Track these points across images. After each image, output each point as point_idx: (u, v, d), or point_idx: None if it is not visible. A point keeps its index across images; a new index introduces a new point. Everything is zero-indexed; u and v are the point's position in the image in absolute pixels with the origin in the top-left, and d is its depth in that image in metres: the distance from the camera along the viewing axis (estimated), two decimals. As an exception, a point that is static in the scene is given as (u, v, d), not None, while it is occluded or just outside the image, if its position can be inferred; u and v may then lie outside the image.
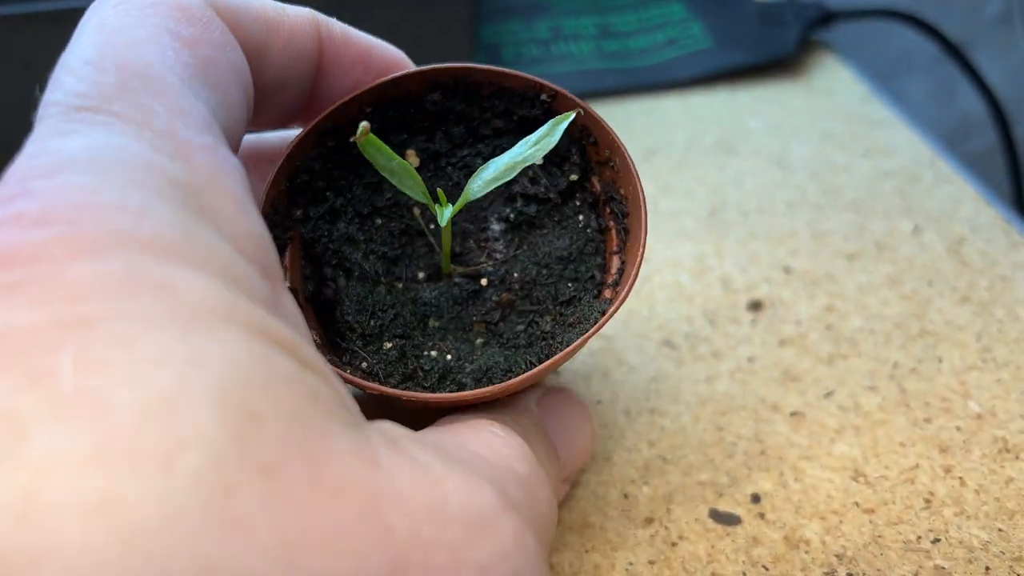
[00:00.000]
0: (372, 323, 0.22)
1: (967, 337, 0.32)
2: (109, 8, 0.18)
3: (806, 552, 0.25)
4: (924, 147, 0.44)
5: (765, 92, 0.49)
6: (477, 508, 0.15)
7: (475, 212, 0.24)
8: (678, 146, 0.44)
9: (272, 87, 0.21)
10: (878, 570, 0.24)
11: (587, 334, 0.21)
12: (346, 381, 0.20)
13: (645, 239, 0.22)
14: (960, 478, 0.27)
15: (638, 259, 0.21)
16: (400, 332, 0.22)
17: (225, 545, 0.11)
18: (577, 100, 0.22)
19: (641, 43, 0.52)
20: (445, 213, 0.21)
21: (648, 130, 0.45)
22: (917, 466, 0.27)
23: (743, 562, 0.25)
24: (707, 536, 0.26)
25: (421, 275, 0.23)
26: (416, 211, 0.23)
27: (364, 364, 0.22)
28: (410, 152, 0.23)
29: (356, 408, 0.16)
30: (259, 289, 0.15)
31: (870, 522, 0.26)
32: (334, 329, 0.23)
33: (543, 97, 0.23)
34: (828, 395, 0.30)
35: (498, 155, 0.23)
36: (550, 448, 0.22)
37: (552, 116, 0.23)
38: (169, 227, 0.14)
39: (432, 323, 0.23)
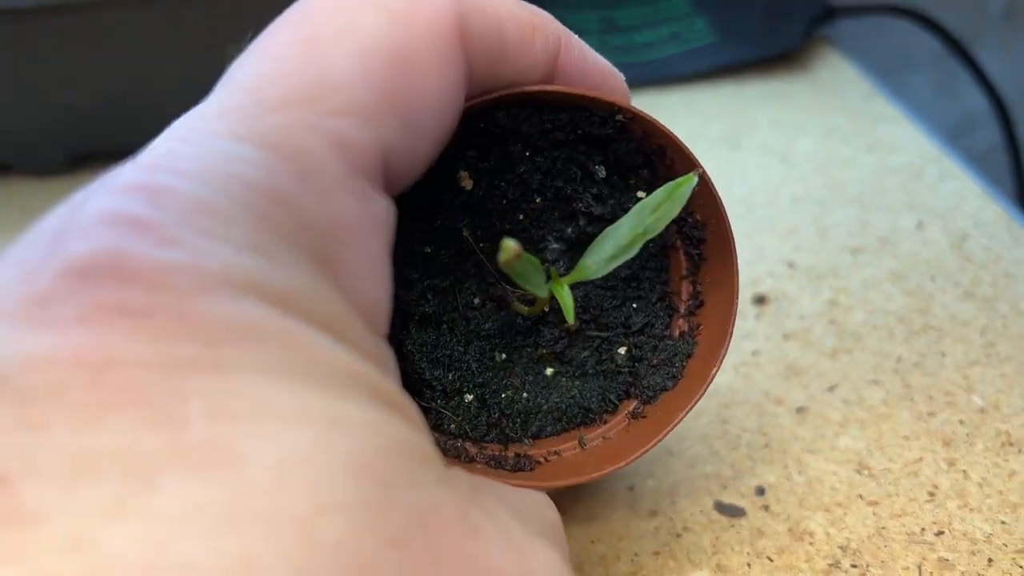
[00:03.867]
0: (451, 376, 0.21)
1: (970, 332, 0.32)
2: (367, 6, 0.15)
3: (810, 544, 0.25)
4: (928, 143, 0.44)
5: (769, 87, 0.49)
6: None
7: (530, 231, 0.22)
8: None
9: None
10: (882, 562, 0.24)
11: (692, 403, 0.20)
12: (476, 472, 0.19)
13: (737, 280, 0.21)
14: (964, 471, 0.27)
15: (732, 307, 0.21)
16: (479, 380, 0.21)
17: None
18: (659, 124, 0.21)
19: (645, 38, 0.52)
20: (565, 294, 0.19)
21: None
22: (921, 459, 0.27)
23: (748, 553, 0.25)
24: (711, 528, 0.26)
25: (476, 300, 0.22)
26: (466, 232, 0.22)
27: (453, 426, 0.21)
28: (463, 174, 0.21)
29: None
30: (372, 350, 0.15)
31: (874, 514, 0.26)
32: (405, 384, 0.21)
33: (618, 117, 0.21)
34: (832, 389, 0.30)
35: (551, 167, 0.22)
36: None
37: (625, 136, 0.21)
38: (294, 280, 0.13)
39: (498, 356, 0.22)
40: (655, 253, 0.23)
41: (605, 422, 0.22)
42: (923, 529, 0.25)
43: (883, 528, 0.25)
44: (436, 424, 0.21)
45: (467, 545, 0.13)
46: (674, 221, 0.22)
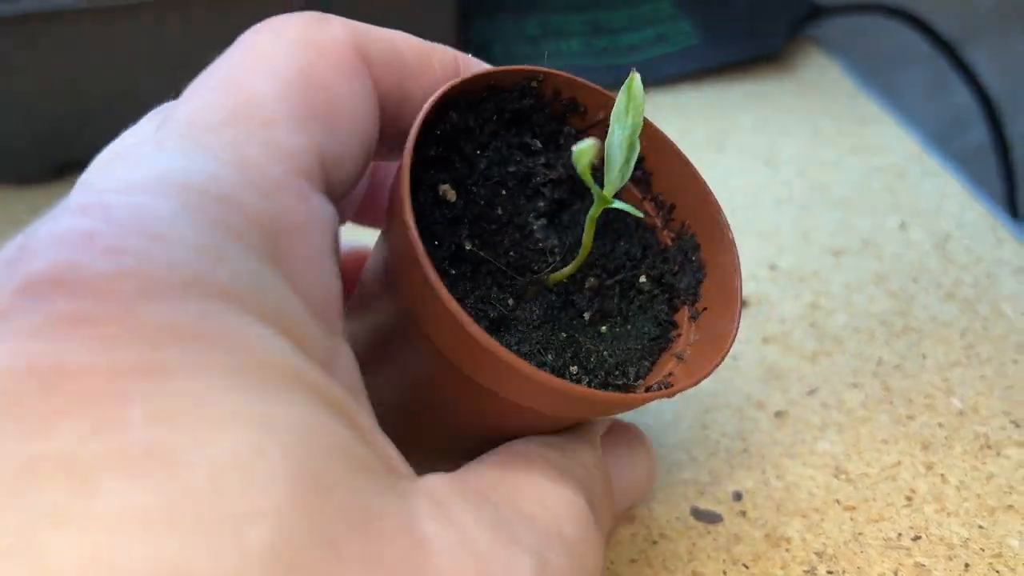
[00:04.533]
0: (550, 358, 0.21)
1: (951, 334, 0.32)
2: (265, 34, 0.17)
3: (787, 550, 0.25)
4: (912, 143, 0.43)
5: (754, 89, 0.49)
6: None
7: (514, 220, 0.23)
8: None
9: (403, 134, 0.20)
10: (858, 568, 0.24)
11: (736, 274, 0.22)
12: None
13: (693, 168, 0.22)
14: (941, 475, 0.27)
15: (703, 187, 0.22)
16: (568, 356, 0.22)
17: None
18: (564, 74, 0.22)
19: (630, 40, 0.52)
20: (618, 204, 0.20)
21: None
22: (899, 463, 0.27)
23: (724, 560, 0.25)
24: (688, 534, 0.26)
25: (511, 302, 0.22)
26: (468, 245, 0.22)
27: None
28: (444, 188, 0.22)
29: (405, 467, 0.16)
30: (321, 348, 0.15)
31: (851, 519, 0.26)
32: None
33: (533, 84, 0.23)
34: (812, 392, 0.30)
35: (500, 157, 0.22)
36: (610, 490, 0.22)
37: (540, 104, 0.23)
38: (242, 276, 0.14)
39: (560, 336, 0.22)
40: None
41: (679, 335, 0.23)
42: (900, 534, 0.25)
43: (860, 533, 0.25)
44: None
45: (410, 554, 0.13)
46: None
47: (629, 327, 0.23)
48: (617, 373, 0.22)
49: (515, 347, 0.21)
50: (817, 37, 0.54)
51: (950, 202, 0.39)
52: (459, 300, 0.21)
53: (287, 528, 0.11)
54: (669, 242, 0.24)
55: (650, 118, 0.22)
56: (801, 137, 0.45)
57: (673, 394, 0.20)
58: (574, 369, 0.21)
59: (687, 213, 0.23)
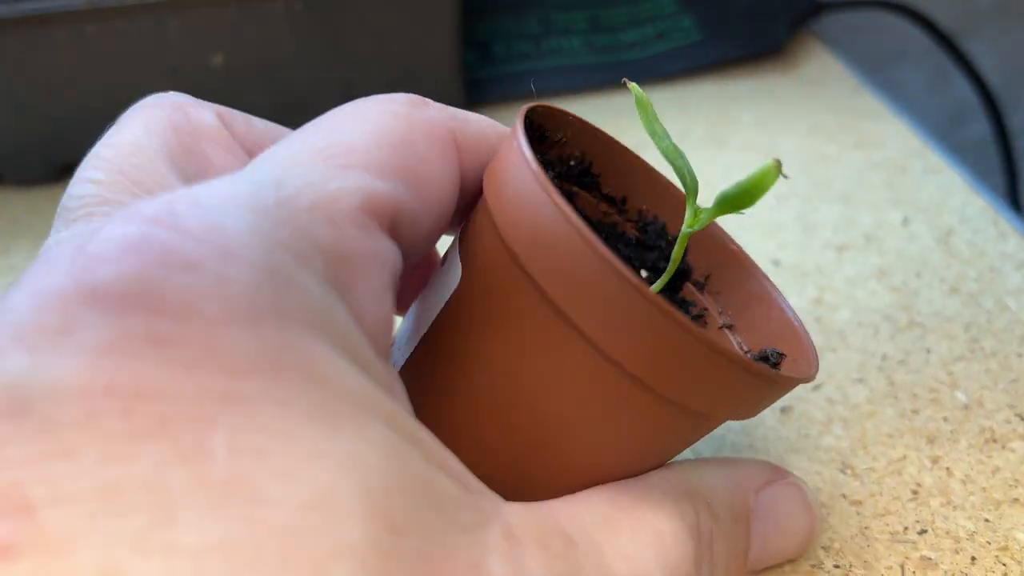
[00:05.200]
0: None
1: (955, 328, 0.32)
2: (368, 103, 0.18)
3: (793, 545, 0.25)
4: (914, 138, 0.43)
5: (755, 84, 0.49)
6: None
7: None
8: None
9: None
10: (865, 562, 0.24)
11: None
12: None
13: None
14: (947, 468, 0.27)
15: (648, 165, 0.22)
16: None
17: None
18: (540, 104, 0.21)
19: (631, 37, 0.52)
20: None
21: (638, 124, 0.45)
22: (904, 457, 0.27)
23: (730, 555, 0.25)
24: (694, 530, 0.26)
25: None
26: None
27: None
28: None
29: (479, 484, 0.15)
30: (381, 374, 0.15)
31: (857, 514, 0.26)
32: None
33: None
34: (816, 388, 0.30)
35: None
36: (743, 553, 0.20)
37: None
38: (314, 301, 0.13)
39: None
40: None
41: (704, 308, 0.24)
42: (906, 528, 0.25)
43: (866, 528, 0.25)
44: None
45: None
46: (560, 170, 0.23)
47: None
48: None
49: None
50: (818, 33, 0.54)
51: (952, 196, 0.39)
52: None
53: (364, 567, 0.11)
54: (637, 233, 0.23)
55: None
56: (802, 133, 0.44)
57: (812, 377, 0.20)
58: None
59: (641, 199, 0.24)
